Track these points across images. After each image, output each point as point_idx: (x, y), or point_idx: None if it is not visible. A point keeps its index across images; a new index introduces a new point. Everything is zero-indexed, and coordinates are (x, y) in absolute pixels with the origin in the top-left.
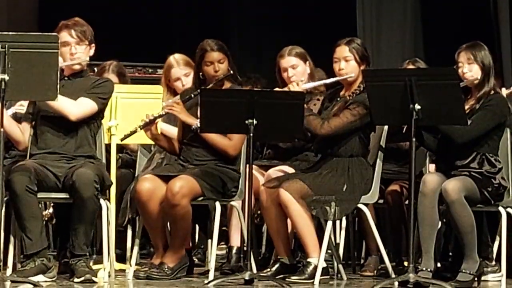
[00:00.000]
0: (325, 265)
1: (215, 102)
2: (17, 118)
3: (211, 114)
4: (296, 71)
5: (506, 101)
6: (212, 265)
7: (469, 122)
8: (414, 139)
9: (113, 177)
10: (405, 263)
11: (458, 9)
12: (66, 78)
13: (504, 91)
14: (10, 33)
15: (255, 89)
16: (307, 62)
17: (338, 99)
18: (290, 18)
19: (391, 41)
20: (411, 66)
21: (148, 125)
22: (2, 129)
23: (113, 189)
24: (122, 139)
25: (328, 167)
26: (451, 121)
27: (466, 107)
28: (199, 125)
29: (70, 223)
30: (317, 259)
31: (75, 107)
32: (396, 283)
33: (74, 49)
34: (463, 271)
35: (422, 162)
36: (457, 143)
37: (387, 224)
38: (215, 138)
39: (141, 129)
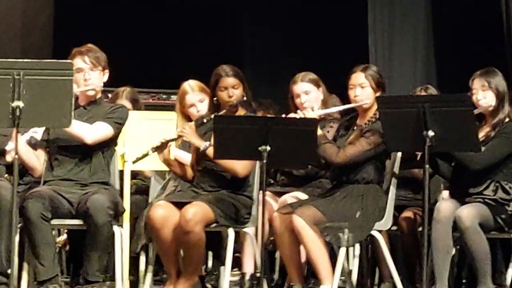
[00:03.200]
0: None
1: (229, 129)
2: (32, 144)
3: (225, 141)
4: (309, 97)
5: None
6: None
7: (483, 149)
8: (428, 166)
9: (126, 204)
10: None
11: (471, 34)
12: (82, 108)
13: None
14: (25, 60)
15: (268, 115)
16: (320, 88)
17: (355, 128)
18: (303, 45)
19: (403, 67)
20: (423, 93)
21: (160, 149)
22: (16, 156)
23: (126, 216)
24: (134, 162)
25: (342, 193)
26: (465, 148)
27: (481, 134)
28: (207, 146)
29: (84, 250)
30: (330, 286)
31: (90, 131)
32: None
33: (88, 75)
34: None
35: (437, 190)
36: (471, 170)
37: (400, 251)
38: (227, 164)
39: (153, 152)
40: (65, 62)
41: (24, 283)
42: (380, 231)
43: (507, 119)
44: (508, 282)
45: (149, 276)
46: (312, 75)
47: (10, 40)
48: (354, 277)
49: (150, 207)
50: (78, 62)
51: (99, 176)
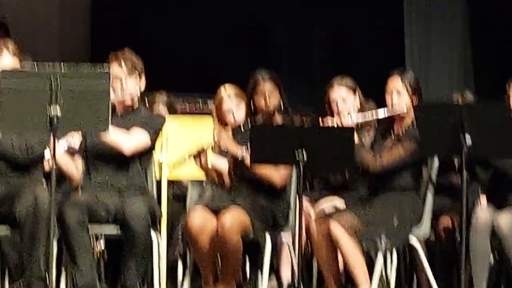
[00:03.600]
0: None
1: (265, 138)
2: (70, 152)
3: (261, 150)
4: (346, 103)
5: None
6: None
7: None
8: (466, 172)
9: (164, 211)
10: None
11: (509, 35)
12: (119, 115)
13: None
14: (63, 65)
15: (305, 121)
16: (357, 93)
17: (391, 134)
18: (339, 48)
19: (440, 70)
20: (460, 99)
21: (198, 156)
22: (54, 164)
23: (164, 224)
24: (171, 167)
25: (379, 200)
26: (502, 154)
27: None
28: (244, 154)
29: (122, 257)
30: None
31: (128, 141)
32: None
33: (125, 83)
34: None
35: (475, 197)
36: (510, 177)
37: (438, 258)
38: (264, 171)
39: (190, 158)
40: (102, 72)
41: None
42: (418, 239)
43: None
44: None
45: (187, 283)
46: (349, 80)
47: (47, 47)
48: (392, 284)
49: (187, 214)
50: (114, 67)
51: (137, 182)
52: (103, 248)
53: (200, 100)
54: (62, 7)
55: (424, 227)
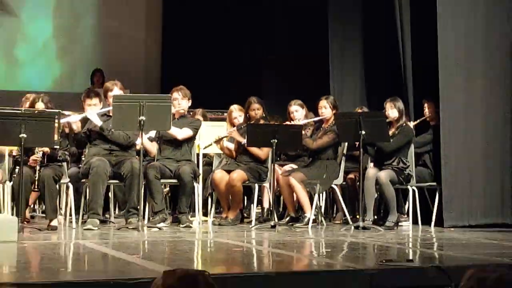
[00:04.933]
0: (314, 217)
1: (256, 131)
2: (151, 140)
3: (254, 138)
4: (298, 113)
5: (412, 129)
6: (253, 218)
7: (391, 141)
8: (361, 150)
9: (200, 171)
10: (358, 217)
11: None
12: (176, 119)
13: (412, 124)
14: (145, 94)
15: (277, 123)
16: (304, 108)
17: (321, 129)
18: (293, 86)
19: (349, 93)
20: (359, 110)
21: (218, 141)
22: (142, 146)
23: (200, 178)
24: (205, 147)
25: (315, 165)
26: (380, 139)
27: (390, 132)
28: (245, 142)
29: (178, 195)
30: (309, 213)
31: (180, 133)
32: (352, 227)
33: (180, 101)
34: (388, 221)
35: (366, 162)
36: (384, 152)
37: (347, 195)
38: (254, 150)
39: (214, 143)
40: (167, 96)
41: (146, 213)
42: (336, 185)
43: (404, 124)
44: (405, 211)
45: (213, 210)
46: (299, 101)
47: (136, 85)
48: (322, 209)
49: (213, 173)
50: (175, 94)
51: (186, 156)
52: (167, 190)
53: (220, 113)
54: (146, 59)
55: (340, 179)
